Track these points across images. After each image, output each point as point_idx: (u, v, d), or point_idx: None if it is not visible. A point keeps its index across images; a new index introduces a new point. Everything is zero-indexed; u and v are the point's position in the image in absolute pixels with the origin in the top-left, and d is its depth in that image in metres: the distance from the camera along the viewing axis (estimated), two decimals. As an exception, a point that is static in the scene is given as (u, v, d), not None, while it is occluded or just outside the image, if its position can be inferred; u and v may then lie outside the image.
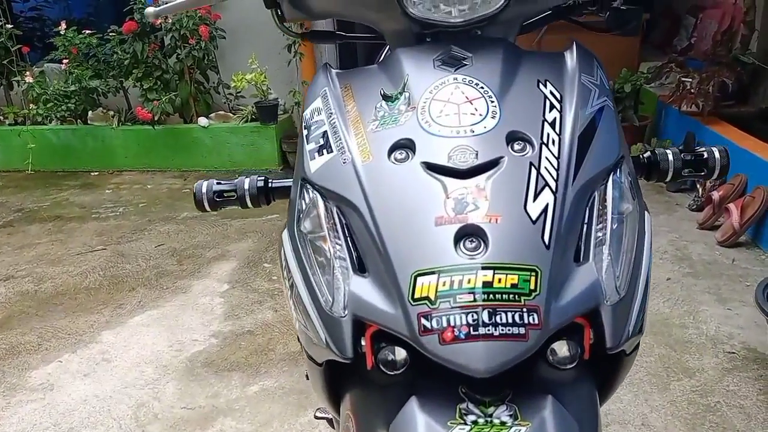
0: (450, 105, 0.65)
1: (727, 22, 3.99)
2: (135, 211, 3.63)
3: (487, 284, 0.55)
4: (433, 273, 0.56)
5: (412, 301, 0.55)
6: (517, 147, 0.63)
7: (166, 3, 0.84)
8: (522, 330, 0.54)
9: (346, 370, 0.66)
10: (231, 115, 4.29)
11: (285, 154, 4.16)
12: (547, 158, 0.62)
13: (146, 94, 4.11)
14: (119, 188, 4.07)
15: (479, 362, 0.53)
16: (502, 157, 0.61)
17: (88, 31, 4.21)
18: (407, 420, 0.58)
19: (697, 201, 3.07)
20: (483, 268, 0.55)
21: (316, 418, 1.27)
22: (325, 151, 0.68)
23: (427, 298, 0.55)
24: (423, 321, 0.55)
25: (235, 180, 0.86)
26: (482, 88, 0.66)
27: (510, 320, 0.54)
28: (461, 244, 0.57)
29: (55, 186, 4.15)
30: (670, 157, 0.80)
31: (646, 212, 0.68)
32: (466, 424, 0.56)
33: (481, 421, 0.56)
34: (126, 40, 4.05)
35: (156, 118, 4.10)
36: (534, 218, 0.58)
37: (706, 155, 0.80)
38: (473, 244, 0.56)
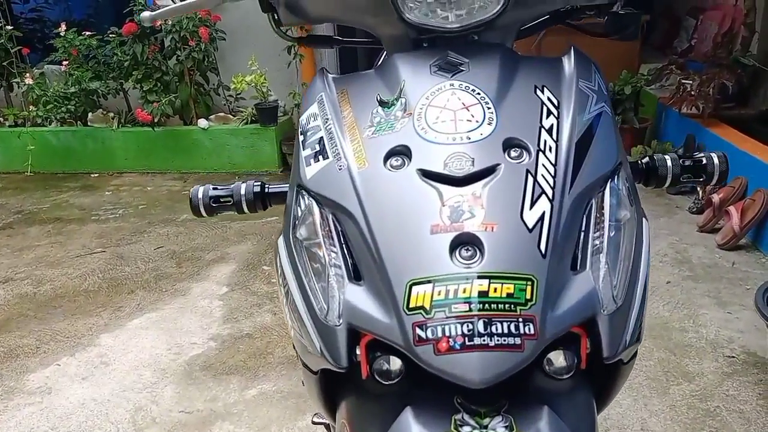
0: (446, 111, 0.65)
1: (728, 24, 3.98)
2: (134, 213, 3.62)
3: (482, 294, 0.54)
4: (428, 282, 0.55)
5: (407, 311, 0.55)
6: (513, 154, 0.62)
7: (162, 7, 0.83)
8: (518, 340, 0.53)
9: (341, 378, 0.65)
10: (231, 116, 4.29)
11: (285, 156, 4.16)
12: (543, 165, 0.61)
13: (146, 96, 4.10)
14: (119, 190, 4.06)
15: (474, 373, 0.52)
16: (498, 165, 0.61)
17: (88, 33, 4.21)
18: (402, 430, 0.58)
19: (697, 204, 3.07)
20: (479, 278, 0.55)
21: (314, 423, 1.26)
22: (320, 157, 0.68)
23: (422, 307, 0.55)
24: (418, 331, 0.54)
25: (232, 185, 0.85)
26: (479, 94, 0.66)
27: (505, 330, 0.53)
28: (457, 253, 0.56)
29: (54, 188, 4.15)
30: (669, 162, 0.80)
31: (644, 219, 0.68)
32: None
33: None
34: (126, 41, 4.05)
35: (156, 120, 4.09)
36: (530, 226, 0.57)
37: (705, 161, 0.80)
38: (469, 253, 0.56)
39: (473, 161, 0.61)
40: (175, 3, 0.88)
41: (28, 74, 4.27)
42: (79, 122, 4.38)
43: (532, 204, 0.59)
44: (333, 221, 0.64)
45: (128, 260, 2.97)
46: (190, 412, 1.89)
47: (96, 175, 4.37)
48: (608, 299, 0.58)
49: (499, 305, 0.54)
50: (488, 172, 0.60)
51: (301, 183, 0.67)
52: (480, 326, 0.53)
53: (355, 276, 0.61)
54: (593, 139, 0.65)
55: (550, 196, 0.59)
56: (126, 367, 2.13)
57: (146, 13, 0.83)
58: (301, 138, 0.72)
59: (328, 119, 0.70)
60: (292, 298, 0.65)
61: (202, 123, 4.20)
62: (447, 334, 0.53)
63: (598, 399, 0.69)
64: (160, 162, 4.30)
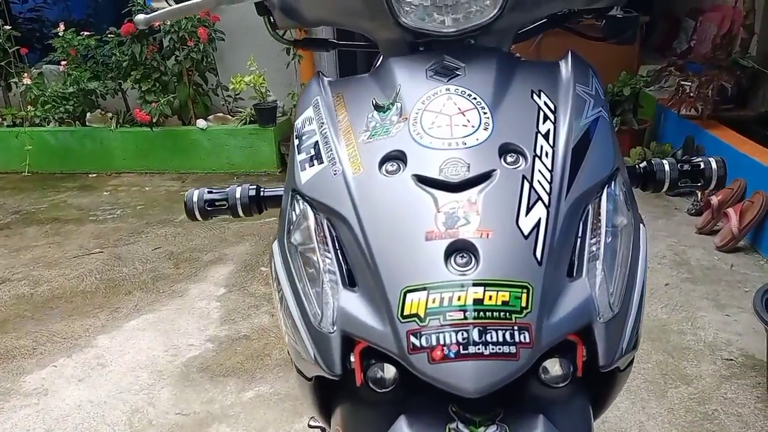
0: (442, 116, 0.64)
1: (727, 25, 3.98)
2: (133, 213, 3.62)
3: (477, 301, 0.54)
4: (422, 289, 0.55)
5: (401, 318, 0.54)
6: (509, 159, 0.62)
7: (157, 10, 0.83)
8: (513, 349, 0.53)
9: (335, 384, 0.65)
10: (229, 117, 4.28)
11: (283, 157, 4.15)
12: (540, 171, 0.61)
13: (145, 96, 4.09)
14: (117, 190, 4.06)
15: (469, 382, 0.52)
16: (494, 170, 0.60)
17: (86, 33, 4.20)
18: None
19: (695, 205, 3.06)
20: (474, 285, 0.54)
21: (310, 426, 1.26)
22: (315, 161, 0.67)
23: (416, 315, 0.54)
24: (412, 339, 0.54)
25: (227, 189, 0.85)
26: (475, 99, 0.65)
27: (501, 339, 0.53)
28: (452, 260, 0.56)
29: (52, 188, 4.14)
30: (667, 167, 0.79)
31: (641, 225, 0.67)
32: None
33: None
34: (125, 41, 4.04)
35: (154, 120, 4.08)
36: (526, 233, 0.57)
37: (702, 166, 0.79)
38: (464, 260, 0.55)
39: (469, 167, 0.60)
40: (170, 5, 0.87)
41: (26, 74, 4.26)
42: (77, 122, 4.37)
43: (528, 210, 0.58)
44: (328, 226, 0.63)
45: (126, 261, 2.96)
46: (186, 414, 1.88)
47: (94, 175, 4.36)
48: (605, 306, 0.58)
49: (494, 313, 0.53)
50: (484, 177, 0.60)
51: (296, 188, 0.67)
52: (475, 334, 0.53)
53: (350, 282, 0.60)
54: (590, 145, 0.65)
55: (546, 203, 0.59)
56: (123, 368, 2.13)
57: (140, 16, 0.83)
58: (296, 142, 0.72)
59: (323, 123, 0.70)
60: (286, 304, 0.65)
61: (201, 123, 4.20)
62: (441, 342, 0.53)
63: (595, 405, 0.69)
64: (159, 162, 4.30)
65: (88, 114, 4.36)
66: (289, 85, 4.15)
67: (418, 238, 0.57)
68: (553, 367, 0.57)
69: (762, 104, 3.62)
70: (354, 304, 0.58)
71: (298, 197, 0.67)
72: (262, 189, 0.84)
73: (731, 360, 1.97)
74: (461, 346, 0.53)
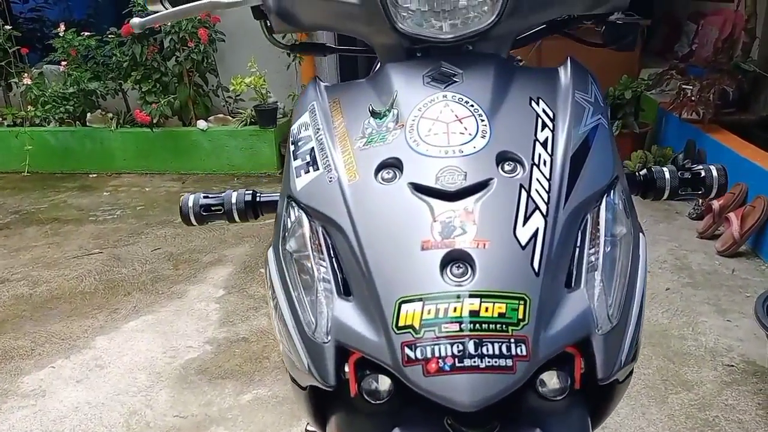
0: (439, 123, 0.64)
1: (728, 29, 3.97)
2: (132, 214, 3.61)
3: (473, 313, 0.53)
4: (418, 300, 0.54)
5: (395, 329, 0.54)
6: (507, 168, 0.61)
7: (154, 13, 0.82)
8: (509, 362, 0.52)
9: (330, 394, 0.64)
10: (230, 118, 4.27)
11: (284, 158, 4.14)
12: (538, 180, 0.60)
13: (145, 97, 4.09)
14: (117, 191, 4.05)
15: (464, 396, 0.51)
16: (491, 179, 0.59)
17: (87, 33, 4.19)
18: None
19: (697, 210, 3.05)
20: (470, 296, 0.53)
21: (307, 431, 1.25)
22: (311, 168, 0.66)
23: (411, 326, 0.53)
24: (407, 350, 0.53)
25: (223, 194, 0.84)
26: (472, 106, 0.65)
27: (497, 351, 0.52)
28: (448, 270, 0.55)
29: (52, 188, 4.14)
30: (667, 175, 0.78)
31: (640, 234, 0.66)
32: None
33: None
34: (125, 42, 4.03)
35: (155, 121, 4.08)
36: (523, 243, 0.56)
37: (703, 173, 0.79)
38: (460, 270, 0.55)
39: (466, 175, 0.59)
40: (166, 9, 0.87)
41: (26, 74, 4.25)
42: (77, 122, 4.37)
43: (526, 220, 0.57)
44: (323, 234, 0.63)
45: (125, 262, 2.96)
46: (184, 416, 1.87)
47: (94, 175, 4.36)
48: (603, 318, 0.57)
49: (491, 325, 0.52)
50: (481, 186, 0.59)
51: (291, 194, 0.66)
52: (470, 347, 0.52)
53: (345, 291, 0.60)
54: (589, 153, 0.64)
55: (544, 212, 0.58)
56: (121, 370, 2.12)
57: (136, 19, 0.82)
58: (291, 148, 0.71)
59: (319, 129, 0.69)
60: (280, 312, 0.64)
61: (201, 124, 4.19)
62: (436, 354, 0.52)
63: (593, 417, 0.68)
64: (159, 163, 4.29)
65: (89, 114, 4.36)
66: (289, 87, 4.14)
67: (413, 248, 0.56)
68: (551, 379, 0.56)
69: (763, 108, 3.61)
70: (348, 313, 0.58)
71: (294, 204, 0.66)
72: (258, 194, 0.84)
73: (732, 366, 1.96)
74: (457, 359, 0.52)
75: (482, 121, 0.63)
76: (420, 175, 0.60)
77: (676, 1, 4.94)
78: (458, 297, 0.53)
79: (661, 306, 2.31)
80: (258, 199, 0.83)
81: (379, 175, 0.62)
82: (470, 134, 0.62)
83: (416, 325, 0.53)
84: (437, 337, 0.52)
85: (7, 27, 4.27)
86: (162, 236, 3.24)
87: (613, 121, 3.62)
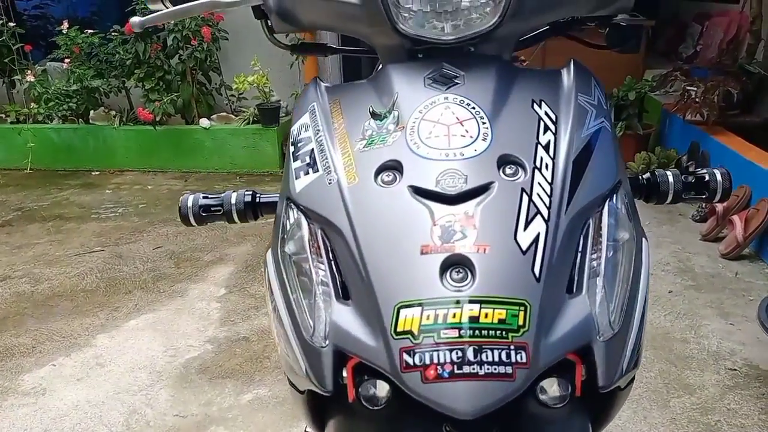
0: (440, 126, 0.63)
1: (733, 30, 3.95)
2: (135, 212, 3.61)
3: (473, 319, 0.52)
4: (417, 305, 0.53)
5: (394, 335, 0.53)
6: (508, 171, 0.60)
7: (153, 12, 0.81)
8: (509, 369, 0.51)
9: (328, 398, 0.63)
10: (233, 116, 4.27)
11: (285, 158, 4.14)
12: (539, 184, 0.59)
13: (148, 95, 4.09)
14: (120, 188, 4.05)
15: (463, 403, 0.50)
16: (492, 183, 0.59)
17: (90, 31, 4.19)
18: None
19: (700, 212, 3.04)
20: (469, 302, 0.52)
21: (307, 433, 1.24)
22: (311, 170, 0.66)
23: (410, 332, 0.52)
24: (405, 356, 0.52)
25: (222, 194, 0.84)
26: (474, 108, 0.64)
27: (496, 359, 0.51)
28: (447, 275, 0.54)
29: (55, 185, 4.14)
30: (671, 179, 0.78)
31: (643, 239, 0.65)
32: None
33: None
34: (128, 39, 4.03)
35: (157, 119, 4.08)
36: (524, 249, 0.55)
37: (707, 177, 0.78)
38: (460, 275, 0.54)
39: (466, 178, 0.59)
40: (167, 8, 0.86)
41: (30, 71, 4.26)
42: (80, 120, 4.37)
43: (527, 224, 0.56)
44: (322, 237, 0.62)
45: (127, 260, 2.96)
46: (184, 416, 1.87)
47: (97, 173, 4.36)
48: (605, 325, 0.56)
49: (490, 332, 0.52)
50: (482, 190, 0.58)
51: (290, 196, 0.66)
52: (470, 354, 0.51)
53: (344, 294, 0.59)
54: (592, 156, 0.63)
55: (546, 217, 0.57)
56: (121, 368, 2.12)
57: (135, 18, 0.82)
58: (291, 149, 0.70)
59: (319, 130, 0.69)
60: (278, 315, 0.64)
61: (204, 122, 4.19)
62: (435, 361, 0.51)
63: (594, 423, 0.67)
64: (162, 161, 4.29)
65: (92, 112, 4.36)
66: (292, 86, 4.14)
67: (413, 252, 0.55)
68: (551, 387, 0.55)
69: (768, 110, 3.60)
70: (347, 318, 0.57)
71: (293, 206, 0.65)
72: (258, 195, 0.83)
73: (735, 370, 1.95)
74: (455, 366, 0.51)
75: (484, 123, 0.63)
76: (420, 178, 0.59)
77: (681, 2, 4.92)
78: (458, 302, 0.53)
79: (664, 309, 2.30)
80: (258, 199, 0.83)
81: (379, 177, 0.61)
82: (471, 137, 0.62)
83: (415, 331, 0.52)
84: (436, 344, 0.52)
85: (11, 24, 4.27)
86: (164, 234, 3.24)
87: (617, 122, 3.60)
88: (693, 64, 4.03)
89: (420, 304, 0.53)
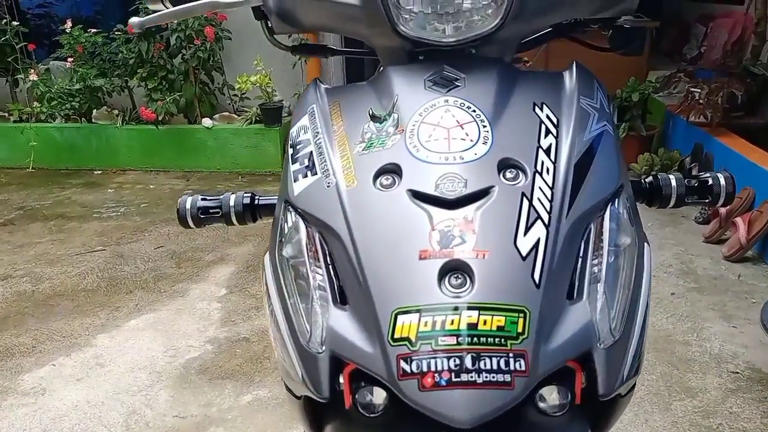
0: (440, 129, 0.62)
1: (738, 32, 3.94)
2: (137, 211, 3.61)
3: (471, 326, 0.51)
4: (415, 311, 0.52)
5: (391, 341, 0.52)
6: (509, 175, 0.59)
7: (153, 13, 0.81)
8: (507, 377, 0.50)
9: (325, 404, 0.63)
10: (235, 116, 4.27)
11: (288, 158, 4.14)
12: (540, 188, 0.58)
13: (151, 94, 4.09)
14: (122, 188, 4.05)
15: (461, 412, 0.50)
16: (492, 187, 0.58)
17: (93, 30, 4.20)
18: None
19: (703, 214, 3.03)
20: (468, 308, 0.52)
21: (306, 436, 1.24)
22: (309, 172, 0.65)
23: (407, 338, 0.52)
24: (402, 364, 0.51)
25: (221, 196, 0.83)
26: (474, 111, 0.63)
27: (495, 366, 0.50)
28: (446, 281, 0.53)
29: (57, 184, 4.14)
30: (674, 183, 0.77)
31: (645, 243, 0.64)
32: None
33: None
34: (131, 39, 4.03)
35: (160, 118, 4.08)
36: (524, 254, 0.54)
37: (711, 181, 0.77)
38: (458, 281, 0.53)
39: (466, 183, 0.58)
40: (167, 8, 0.85)
41: (33, 70, 4.26)
42: (83, 119, 4.37)
43: (527, 230, 0.56)
44: (320, 240, 0.61)
45: (128, 259, 2.95)
46: (184, 416, 1.87)
47: (99, 172, 4.36)
48: (605, 332, 0.55)
49: (489, 339, 0.51)
50: (481, 194, 0.57)
51: (289, 199, 0.65)
52: (468, 361, 0.50)
53: (341, 299, 0.58)
54: (593, 160, 0.62)
55: (546, 222, 0.57)
56: (121, 369, 2.11)
57: (135, 19, 0.81)
58: (290, 151, 0.70)
59: (318, 133, 0.68)
60: (275, 319, 0.63)
61: (207, 122, 4.19)
62: (432, 368, 0.51)
63: (594, 430, 0.66)
64: (164, 160, 4.29)
65: (94, 111, 4.36)
66: (295, 85, 4.13)
67: (411, 257, 0.55)
68: (551, 395, 0.54)
69: (772, 112, 3.58)
70: (344, 323, 0.56)
71: (291, 209, 0.64)
72: (256, 197, 0.82)
73: (737, 373, 1.93)
74: (453, 374, 0.50)
75: (484, 127, 0.62)
76: (419, 181, 0.59)
77: (685, 3, 4.91)
78: (456, 309, 0.52)
79: (666, 311, 2.29)
80: (257, 202, 0.82)
81: (378, 181, 0.60)
82: (471, 140, 0.61)
83: (412, 338, 0.52)
84: (434, 351, 0.51)
85: (15, 23, 4.27)
86: (165, 234, 3.24)
87: (620, 123, 3.59)
88: (697, 65, 4.01)
89: (418, 311, 0.52)
